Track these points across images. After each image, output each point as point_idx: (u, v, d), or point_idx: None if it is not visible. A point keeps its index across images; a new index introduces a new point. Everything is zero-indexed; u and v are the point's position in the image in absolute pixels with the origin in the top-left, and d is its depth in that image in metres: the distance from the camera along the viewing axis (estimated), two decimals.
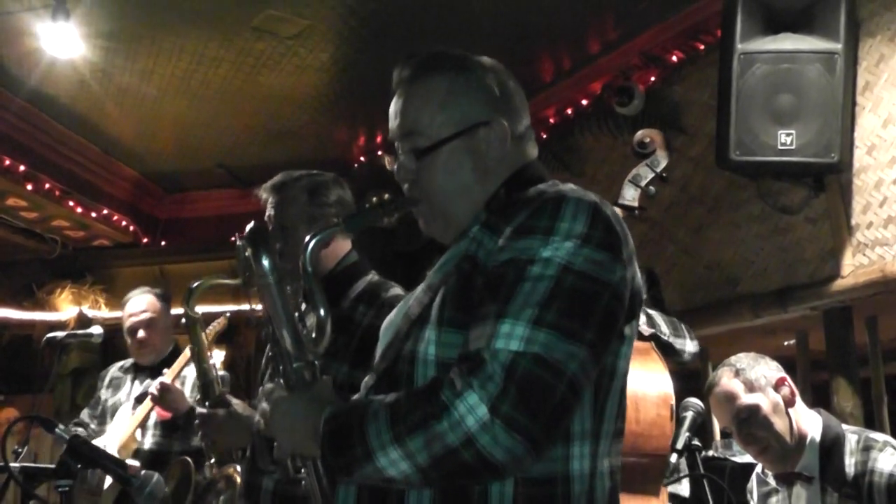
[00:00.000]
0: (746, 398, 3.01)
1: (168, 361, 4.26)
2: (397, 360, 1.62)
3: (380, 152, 6.91)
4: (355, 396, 1.73)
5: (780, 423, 3.01)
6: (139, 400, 4.19)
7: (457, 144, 1.71)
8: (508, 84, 1.77)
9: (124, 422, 4.20)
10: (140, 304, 4.37)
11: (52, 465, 2.60)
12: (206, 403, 2.89)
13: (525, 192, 1.65)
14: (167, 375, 4.02)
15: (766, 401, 3.01)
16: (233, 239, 1.75)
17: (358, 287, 2.79)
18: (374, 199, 1.73)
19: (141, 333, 4.30)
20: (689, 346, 3.35)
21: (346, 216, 1.76)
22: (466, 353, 1.47)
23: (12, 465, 2.92)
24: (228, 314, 4.08)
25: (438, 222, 1.75)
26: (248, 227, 1.72)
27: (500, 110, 1.73)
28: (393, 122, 1.79)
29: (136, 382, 4.36)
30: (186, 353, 4.09)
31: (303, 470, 1.70)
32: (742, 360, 3.09)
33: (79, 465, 2.44)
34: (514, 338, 1.44)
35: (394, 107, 1.79)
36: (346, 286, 2.79)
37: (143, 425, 4.16)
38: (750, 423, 3.01)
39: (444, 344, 1.55)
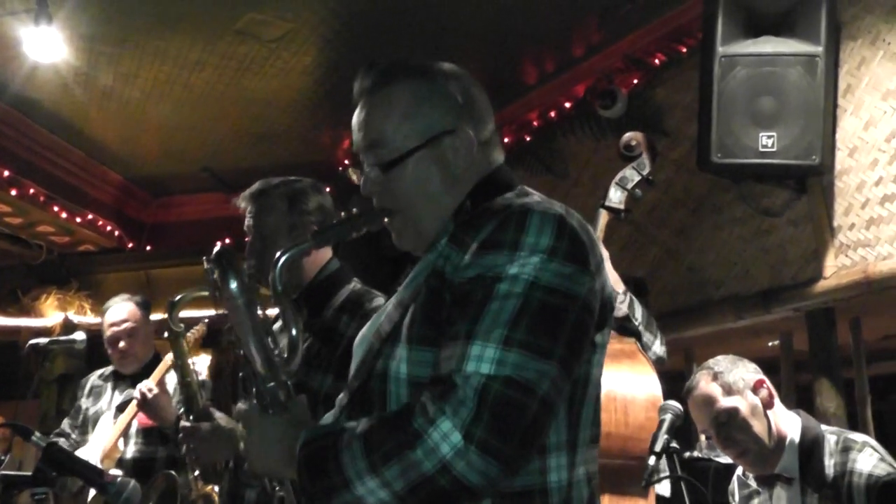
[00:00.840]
0: (725, 401, 3.02)
1: (149, 368, 4.23)
2: (369, 377, 1.62)
3: (345, 163, 6.90)
4: (328, 416, 1.74)
5: (758, 426, 3.01)
6: (120, 409, 4.18)
7: (423, 155, 1.68)
8: (472, 90, 1.74)
9: (106, 431, 4.18)
10: (120, 313, 4.31)
11: (29, 473, 2.60)
12: (190, 417, 2.88)
13: (491, 203, 1.64)
14: (150, 380, 4.01)
15: (744, 403, 3.01)
16: (204, 260, 1.72)
17: (341, 296, 2.75)
18: (343, 214, 1.73)
19: (122, 344, 4.25)
20: (657, 346, 3.34)
21: (315, 233, 1.75)
22: (437, 376, 1.47)
23: None
24: (207, 320, 4.05)
25: (409, 234, 1.73)
26: (215, 249, 1.69)
27: (464, 118, 1.70)
28: (357, 135, 1.75)
29: (117, 391, 4.34)
30: (167, 360, 4.07)
31: (278, 488, 1.69)
32: (720, 363, 3.09)
33: (54, 473, 2.44)
34: (485, 360, 1.43)
35: (356, 118, 1.76)
36: (328, 295, 2.74)
37: (125, 434, 4.14)
38: (729, 427, 3.02)
39: (415, 362, 1.55)
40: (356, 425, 1.50)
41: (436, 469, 1.40)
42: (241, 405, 1.69)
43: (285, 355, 1.65)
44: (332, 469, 1.48)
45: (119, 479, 2.55)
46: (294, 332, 1.66)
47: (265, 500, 2.65)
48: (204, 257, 1.71)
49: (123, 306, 4.34)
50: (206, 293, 2.99)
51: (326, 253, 2.86)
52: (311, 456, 1.52)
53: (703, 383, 3.07)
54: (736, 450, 3.05)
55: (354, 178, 1.85)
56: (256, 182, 2.91)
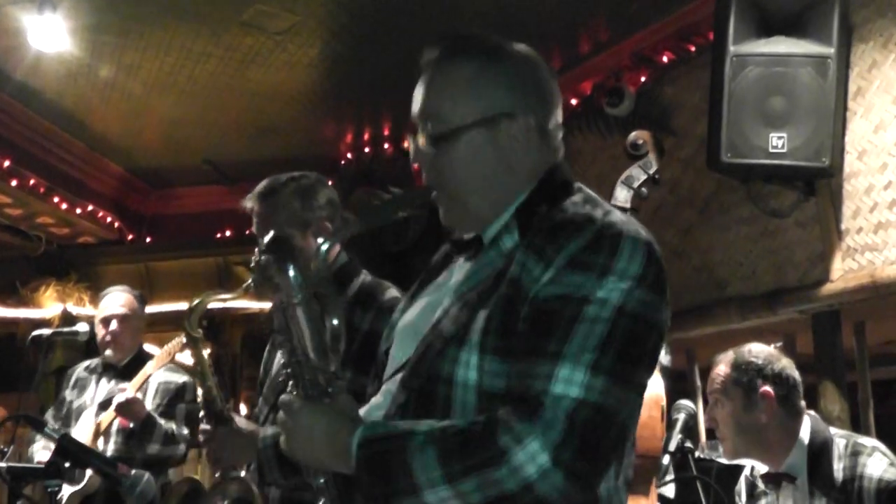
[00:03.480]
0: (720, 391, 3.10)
1: (134, 362, 4.28)
2: (433, 380, 1.58)
3: (348, 156, 6.88)
4: (370, 408, 1.72)
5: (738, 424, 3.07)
6: (103, 406, 4.18)
7: (476, 133, 1.64)
8: (542, 76, 1.68)
9: (87, 427, 4.18)
10: (118, 299, 4.40)
11: (40, 465, 2.58)
12: (209, 420, 2.84)
13: (566, 210, 1.59)
14: (130, 388, 4.02)
15: (737, 405, 3.06)
16: (253, 257, 1.68)
17: (353, 289, 2.74)
18: (386, 195, 1.71)
19: (114, 325, 4.32)
20: (662, 356, 3.35)
21: (362, 214, 1.73)
22: (522, 394, 1.46)
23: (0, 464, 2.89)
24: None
25: (456, 212, 1.70)
26: (268, 238, 1.65)
27: (528, 103, 1.65)
28: (415, 104, 1.72)
29: (102, 382, 4.34)
30: (148, 367, 4.09)
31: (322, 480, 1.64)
32: (763, 353, 3.14)
33: (67, 465, 2.42)
34: (574, 384, 1.43)
35: (418, 88, 1.72)
36: (340, 288, 2.72)
37: (105, 432, 4.14)
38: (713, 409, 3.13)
39: (489, 373, 1.52)
40: (426, 430, 1.49)
41: (518, 488, 1.41)
42: (284, 396, 1.64)
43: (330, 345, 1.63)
44: (398, 473, 1.47)
45: (134, 471, 2.53)
46: (336, 321, 1.62)
47: (289, 497, 2.68)
48: (258, 246, 1.66)
49: (121, 294, 4.42)
50: (223, 295, 3.01)
51: (336, 246, 2.85)
52: (373, 457, 1.50)
53: (723, 366, 3.12)
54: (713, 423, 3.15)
55: (407, 145, 1.79)
56: (263, 180, 2.88)
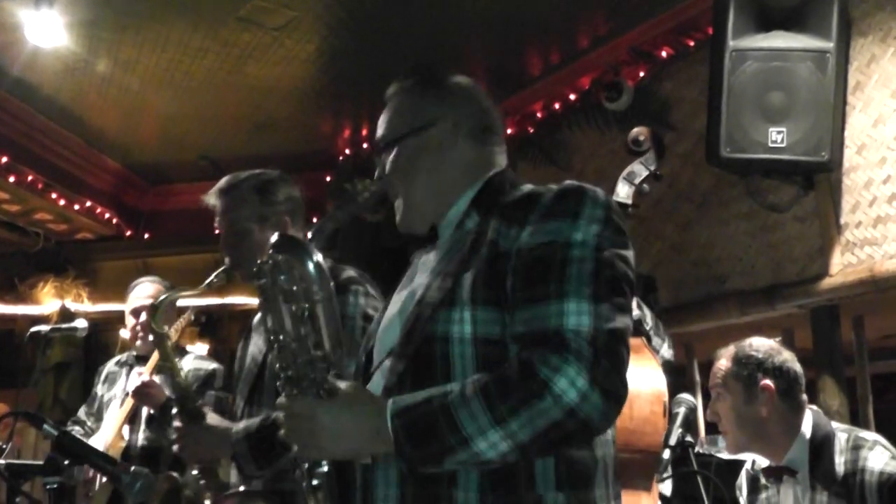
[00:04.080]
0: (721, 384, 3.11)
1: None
2: (428, 342, 1.70)
3: (346, 152, 6.89)
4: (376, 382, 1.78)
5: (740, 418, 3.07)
6: (129, 394, 4.16)
7: (411, 141, 1.92)
8: (472, 95, 1.98)
9: (112, 418, 4.16)
10: (147, 290, 4.35)
11: (39, 462, 2.57)
12: (181, 417, 2.88)
13: (517, 191, 1.83)
14: (145, 372, 3.99)
15: (738, 398, 3.06)
16: (262, 258, 1.73)
17: None
18: (357, 185, 1.86)
19: (144, 316, 4.26)
20: (665, 350, 3.35)
21: (338, 206, 1.89)
22: (543, 333, 1.61)
23: None
24: (192, 308, 4.05)
25: (406, 212, 1.94)
26: (276, 238, 1.73)
27: (456, 114, 1.93)
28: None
29: (133, 375, 4.32)
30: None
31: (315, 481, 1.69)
32: (763, 347, 3.14)
33: (66, 462, 2.42)
34: (584, 314, 1.60)
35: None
36: None
37: (133, 421, 4.11)
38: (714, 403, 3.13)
39: (482, 321, 1.68)
40: (459, 386, 1.60)
41: (564, 413, 1.54)
42: (285, 401, 1.67)
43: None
44: (444, 430, 1.56)
45: (132, 468, 2.53)
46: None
47: (270, 487, 2.70)
48: (271, 243, 1.72)
49: (150, 286, 4.40)
50: (188, 292, 3.07)
51: (297, 231, 2.93)
52: (412, 423, 1.59)
53: (724, 361, 3.12)
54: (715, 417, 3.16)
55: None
56: (223, 178, 3.01)
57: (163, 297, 3.00)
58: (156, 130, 6.82)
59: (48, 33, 5.07)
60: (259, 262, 1.72)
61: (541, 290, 1.64)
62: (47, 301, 7.23)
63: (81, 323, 4.32)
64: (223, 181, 2.99)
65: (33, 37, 5.11)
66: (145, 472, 2.52)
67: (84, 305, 7.18)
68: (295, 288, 1.67)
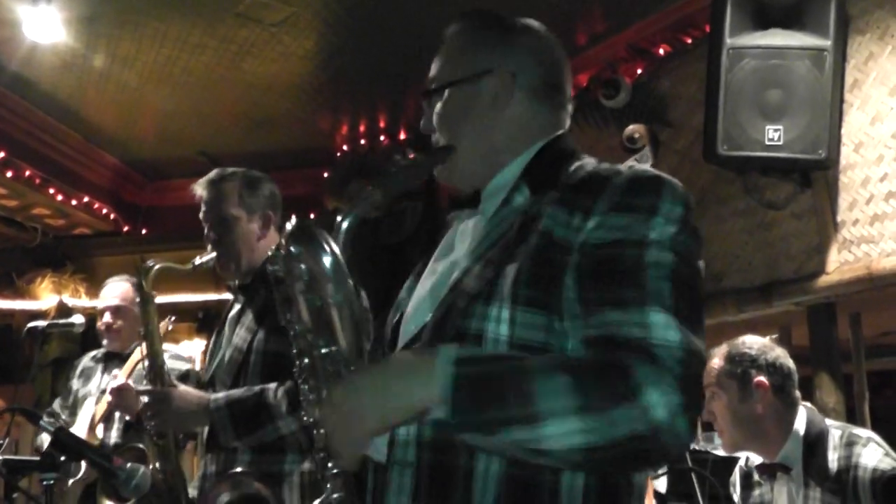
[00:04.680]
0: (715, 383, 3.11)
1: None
2: (460, 338, 1.49)
3: (343, 148, 6.88)
4: None
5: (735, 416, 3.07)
6: (104, 394, 4.16)
7: (462, 89, 1.71)
8: (539, 45, 1.75)
9: (87, 416, 4.17)
10: (114, 290, 4.40)
11: (35, 458, 2.57)
12: (152, 383, 2.91)
13: (581, 166, 1.60)
14: (121, 375, 4.01)
15: (733, 396, 3.06)
16: (275, 245, 1.62)
17: None
18: (401, 159, 1.73)
19: (107, 317, 4.32)
20: None
21: (381, 179, 1.66)
22: (627, 340, 1.38)
23: None
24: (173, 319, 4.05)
25: (448, 167, 1.72)
26: (292, 225, 1.59)
27: (517, 64, 1.71)
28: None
29: (106, 373, 4.33)
30: (137, 354, 4.07)
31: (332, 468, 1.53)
32: (749, 349, 3.14)
33: (63, 458, 2.42)
34: (671, 328, 1.38)
35: None
36: None
37: (107, 419, 4.13)
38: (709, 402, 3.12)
39: (522, 324, 1.46)
40: (544, 357, 1.41)
41: (649, 429, 1.32)
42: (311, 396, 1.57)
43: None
44: (512, 395, 1.33)
45: (129, 464, 2.53)
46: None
47: (258, 470, 2.67)
48: (287, 227, 1.61)
49: (119, 285, 4.41)
50: (178, 267, 3.13)
51: (276, 238, 2.99)
52: (476, 376, 1.36)
53: (717, 359, 3.12)
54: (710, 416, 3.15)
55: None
56: (211, 171, 3.15)
57: (151, 262, 3.11)
58: (154, 126, 6.81)
59: (46, 29, 5.08)
60: (274, 248, 1.61)
61: (615, 293, 1.42)
62: (45, 296, 7.23)
63: (79, 318, 4.34)
64: (212, 173, 3.12)
65: (31, 32, 5.12)
66: (142, 468, 2.52)
67: (82, 301, 7.17)
68: (310, 280, 1.53)
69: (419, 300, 1.68)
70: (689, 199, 1.52)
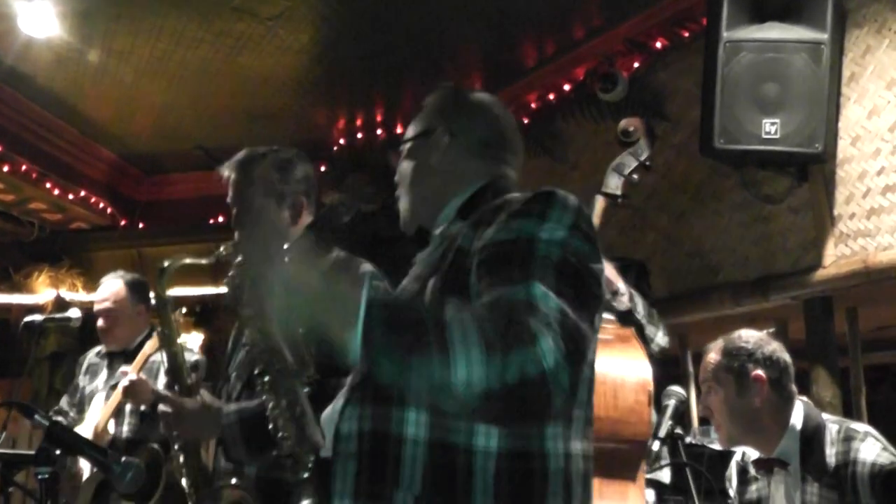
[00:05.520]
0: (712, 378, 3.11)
1: (142, 346, 4.23)
2: None
3: (340, 142, 6.88)
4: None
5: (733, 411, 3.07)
6: (114, 388, 4.16)
7: (417, 143, 2.02)
8: (485, 112, 2.04)
9: (97, 411, 4.16)
10: (104, 291, 4.35)
11: (31, 452, 2.57)
12: (175, 390, 2.75)
13: (500, 198, 1.82)
14: (132, 370, 3.99)
15: (730, 390, 3.06)
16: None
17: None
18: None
19: (100, 322, 4.30)
20: (660, 337, 3.34)
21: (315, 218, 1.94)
22: (514, 301, 1.51)
23: None
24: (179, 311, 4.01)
25: (405, 211, 2.02)
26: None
27: (461, 126, 2.00)
28: None
29: (111, 369, 4.32)
30: (150, 344, 4.05)
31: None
32: (752, 339, 3.14)
33: (58, 452, 2.41)
34: (550, 298, 1.52)
35: None
36: None
37: (117, 414, 4.12)
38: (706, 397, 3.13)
39: None
40: (446, 305, 1.51)
41: (537, 375, 1.42)
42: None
43: None
44: (428, 330, 1.46)
45: (123, 459, 2.52)
46: None
47: (265, 474, 2.60)
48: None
49: (109, 285, 4.36)
50: (196, 260, 2.96)
51: (306, 220, 2.83)
52: (393, 304, 1.52)
53: (713, 354, 3.12)
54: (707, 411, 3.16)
55: None
56: (241, 151, 2.89)
57: (169, 262, 2.80)
58: (150, 121, 6.79)
59: (41, 23, 5.07)
60: (226, 279, 1.78)
61: (505, 274, 1.57)
62: (42, 291, 7.22)
63: (75, 313, 4.33)
64: (241, 153, 2.87)
65: (27, 27, 5.12)
66: (136, 462, 2.51)
67: (79, 295, 7.17)
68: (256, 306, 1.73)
69: None
70: (580, 209, 1.71)
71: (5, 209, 7.02)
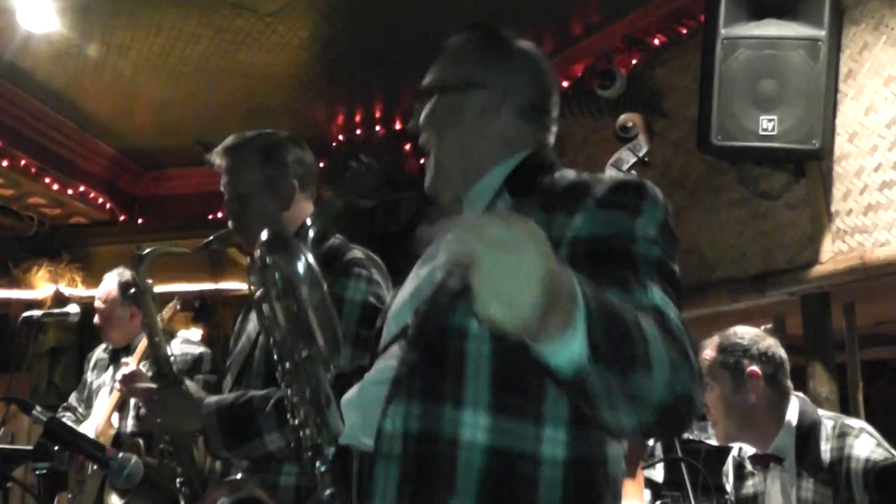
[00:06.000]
0: (708, 375, 3.12)
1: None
2: (443, 333, 1.55)
3: (339, 138, 6.86)
4: (365, 383, 1.69)
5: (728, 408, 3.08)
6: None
7: (450, 97, 1.79)
8: (530, 65, 1.81)
9: (102, 406, 4.18)
10: (100, 290, 4.38)
11: (29, 447, 2.57)
12: (156, 379, 2.72)
13: (562, 176, 1.66)
14: (131, 362, 4.00)
15: (726, 387, 3.07)
16: (253, 254, 1.66)
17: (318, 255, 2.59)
18: (355, 163, 1.74)
19: (96, 319, 4.31)
20: None
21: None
22: (643, 308, 1.37)
23: None
24: (178, 296, 4.01)
25: (435, 173, 1.81)
26: (266, 235, 1.64)
27: (506, 82, 1.77)
28: None
29: (115, 363, 4.34)
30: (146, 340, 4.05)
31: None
32: (747, 335, 3.14)
33: (56, 448, 2.42)
34: (670, 305, 1.42)
35: None
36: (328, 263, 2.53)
37: (121, 408, 4.13)
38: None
39: None
40: (637, 314, 1.31)
41: (691, 392, 1.34)
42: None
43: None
44: (635, 335, 1.26)
45: (121, 454, 2.53)
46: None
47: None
48: (260, 241, 1.64)
49: (105, 284, 4.38)
50: (177, 249, 2.92)
51: (307, 207, 2.75)
52: (610, 323, 1.24)
53: (709, 350, 3.13)
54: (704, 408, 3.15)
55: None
56: (230, 136, 2.83)
57: (149, 249, 2.79)
58: (149, 116, 6.80)
59: (41, 18, 5.07)
60: (249, 260, 1.66)
61: (614, 275, 1.43)
62: (41, 285, 7.23)
63: (74, 308, 4.34)
64: (229, 139, 2.82)
65: (26, 22, 5.11)
66: (133, 458, 2.51)
67: (78, 290, 7.18)
68: (285, 286, 1.59)
69: (400, 303, 1.73)
70: (668, 206, 1.59)
71: (4, 204, 7.03)
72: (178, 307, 4.08)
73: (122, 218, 7.72)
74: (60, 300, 6.82)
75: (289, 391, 1.63)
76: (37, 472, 2.44)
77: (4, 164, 6.34)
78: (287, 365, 1.62)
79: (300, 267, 1.59)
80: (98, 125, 6.92)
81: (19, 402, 2.84)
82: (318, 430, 1.62)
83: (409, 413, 1.54)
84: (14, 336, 5.89)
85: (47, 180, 6.76)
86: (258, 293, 1.64)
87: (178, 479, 2.69)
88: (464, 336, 1.52)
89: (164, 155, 7.54)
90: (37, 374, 6.90)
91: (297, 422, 1.62)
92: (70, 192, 7.02)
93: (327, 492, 1.58)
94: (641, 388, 1.26)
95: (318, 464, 1.60)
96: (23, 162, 6.47)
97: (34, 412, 2.63)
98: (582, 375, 1.21)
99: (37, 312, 4.33)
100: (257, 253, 1.63)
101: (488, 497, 1.48)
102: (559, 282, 1.14)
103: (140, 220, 7.85)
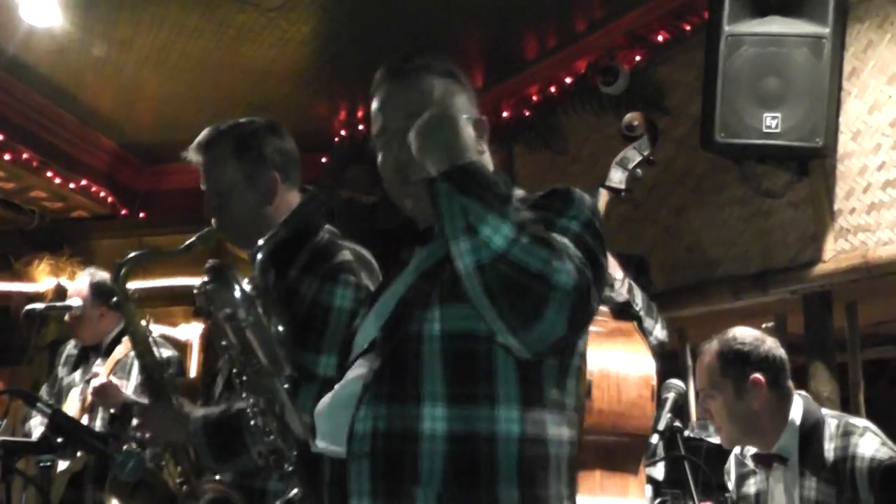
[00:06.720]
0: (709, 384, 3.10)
1: (115, 342, 4.23)
2: (403, 340, 1.71)
3: (342, 133, 6.86)
4: (334, 395, 1.81)
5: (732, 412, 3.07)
6: (89, 383, 4.16)
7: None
8: (466, 85, 2.04)
9: (74, 404, 4.17)
10: (71, 289, 4.41)
11: (33, 440, 2.57)
12: (146, 392, 2.67)
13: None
14: (102, 373, 3.99)
15: (729, 395, 3.06)
16: (197, 286, 1.89)
17: (306, 252, 2.47)
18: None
19: (66, 318, 4.32)
20: (658, 331, 3.33)
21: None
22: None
23: None
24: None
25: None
26: (208, 266, 1.88)
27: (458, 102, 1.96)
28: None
29: (84, 362, 4.32)
30: (119, 350, 4.05)
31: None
32: (741, 345, 3.13)
33: (60, 440, 2.42)
34: (568, 246, 1.62)
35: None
36: (294, 251, 2.47)
37: (91, 409, 4.12)
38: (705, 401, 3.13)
39: (450, 316, 1.68)
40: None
41: (564, 282, 1.54)
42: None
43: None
44: (491, 189, 1.60)
45: (125, 447, 2.52)
46: (281, 328, 1.95)
47: (238, 482, 2.41)
48: (204, 269, 1.89)
49: (76, 284, 4.38)
50: (161, 254, 2.86)
51: (293, 198, 2.62)
52: (474, 170, 1.63)
53: (709, 357, 3.12)
54: (707, 414, 3.14)
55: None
56: (204, 131, 2.67)
57: (132, 254, 2.64)
58: (151, 110, 6.80)
59: (43, 12, 5.07)
60: (196, 287, 1.88)
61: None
62: (42, 279, 7.22)
63: (76, 301, 4.32)
64: (203, 134, 2.65)
65: (28, 16, 5.11)
66: (137, 450, 2.51)
67: None
68: (228, 311, 1.86)
69: (367, 321, 1.89)
70: (596, 208, 1.79)
71: (6, 197, 7.02)
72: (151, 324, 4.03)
73: (123, 212, 7.71)
74: (61, 294, 6.81)
75: (250, 400, 1.90)
76: (41, 465, 2.44)
77: (6, 157, 6.33)
78: (244, 378, 1.85)
79: (236, 293, 1.86)
80: (100, 119, 6.91)
81: (24, 394, 2.84)
82: (280, 436, 1.87)
83: (378, 414, 1.68)
84: (15, 329, 5.90)
85: (49, 174, 6.75)
86: (212, 316, 1.90)
87: (178, 480, 2.67)
88: (419, 340, 1.68)
89: (165, 149, 7.51)
90: (38, 368, 6.88)
91: (261, 427, 1.88)
92: (72, 185, 7.01)
93: (294, 492, 1.79)
94: (488, 224, 1.55)
95: (285, 466, 1.79)
96: (25, 155, 6.46)
97: (38, 405, 2.63)
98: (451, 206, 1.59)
99: (39, 305, 4.32)
100: (202, 279, 1.87)
101: (454, 480, 1.63)
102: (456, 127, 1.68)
103: (141, 215, 7.84)
